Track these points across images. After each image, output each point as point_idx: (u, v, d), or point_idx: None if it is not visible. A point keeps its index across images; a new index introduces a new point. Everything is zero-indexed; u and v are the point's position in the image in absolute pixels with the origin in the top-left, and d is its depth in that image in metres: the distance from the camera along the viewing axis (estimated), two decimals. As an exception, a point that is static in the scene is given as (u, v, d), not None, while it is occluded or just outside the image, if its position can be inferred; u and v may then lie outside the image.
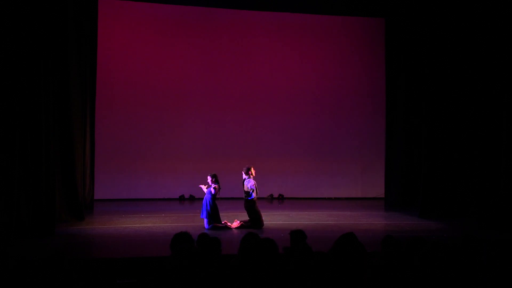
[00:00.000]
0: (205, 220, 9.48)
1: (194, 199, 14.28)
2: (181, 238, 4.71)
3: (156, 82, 14.36)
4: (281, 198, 14.95)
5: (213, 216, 9.47)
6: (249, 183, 9.71)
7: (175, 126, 14.52)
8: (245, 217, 9.84)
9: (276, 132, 15.03)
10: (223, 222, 9.57)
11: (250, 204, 9.69)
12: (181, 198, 14.33)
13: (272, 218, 10.60)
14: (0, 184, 8.14)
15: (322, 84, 15.19)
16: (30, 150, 8.54)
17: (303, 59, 15.12)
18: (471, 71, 10.90)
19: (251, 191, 9.66)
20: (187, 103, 14.58)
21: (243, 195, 9.83)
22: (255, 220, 9.63)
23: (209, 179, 9.66)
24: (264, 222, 9.82)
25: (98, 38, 11.94)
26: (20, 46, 8.45)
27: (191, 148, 14.51)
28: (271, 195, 14.92)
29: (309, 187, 15.08)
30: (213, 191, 9.53)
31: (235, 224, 9.64)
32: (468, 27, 10.88)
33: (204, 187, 9.73)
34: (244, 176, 9.84)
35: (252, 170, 9.85)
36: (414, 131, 12.60)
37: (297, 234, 5.16)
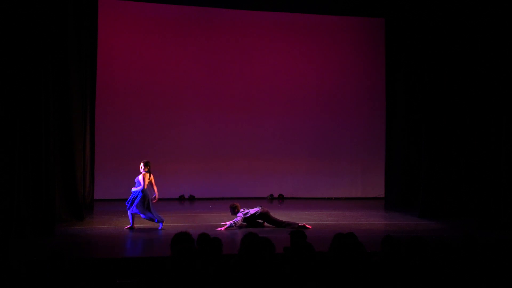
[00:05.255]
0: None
1: (194, 199, 14.29)
2: (181, 238, 4.71)
3: (156, 82, 14.35)
4: (281, 198, 14.95)
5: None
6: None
7: (175, 126, 14.51)
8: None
9: (276, 132, 15.02)
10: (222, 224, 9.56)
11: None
12: (181, 198, 14.33)
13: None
14: (0, 184, 8.15)
15: (322, 84, 15.19)
16: (30, 150, 8.54)
17: (303, 59, 15.12)
18: (472, 71, 10.90)
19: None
20: (187, 103, 14.58)
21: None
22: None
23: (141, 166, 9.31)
24: (264, 222, 9.88)
25: (98, 38, 11.93)
26: (20, 47, 8.45)
27: (191, 148, 14.50)
28: (271, 195, 14.92)
29: (309, 187, 15.08)
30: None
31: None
32: (468, 26, 10.89)
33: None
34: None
35: (238, 207, 9.61)
36: (414, 131, 12.59)
37: (297, 234, 5.16)
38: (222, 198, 14.01)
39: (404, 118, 12.98)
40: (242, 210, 9.60)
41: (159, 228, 9.26)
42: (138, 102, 14.23)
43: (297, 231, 5.22)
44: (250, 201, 12.64)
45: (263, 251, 4.01)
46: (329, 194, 15.08)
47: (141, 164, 9.35)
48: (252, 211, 9.64)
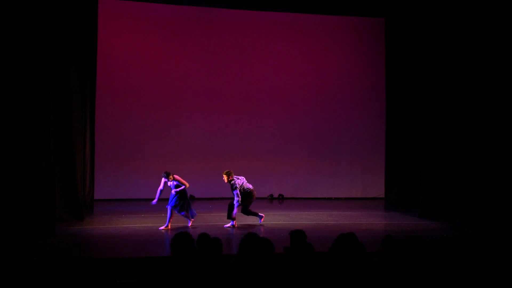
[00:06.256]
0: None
1: (193, 199, 14.27)
2: (181, 238, 4.71)
3: (156, 82, 14.36)
4: (281, 198, 14.94)
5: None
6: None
7: (175, 126, 14.51)
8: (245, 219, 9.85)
9: (276, 132, 15.02)
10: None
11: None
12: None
13: (272, 218, 10.60)
14: (0, 184, 8.15)
15: (322, 84, 15.19)
16: (30, 150, 8.54)
17: (303, 59, 15.12)
18: (472, 71, 10.90)
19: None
20: (187, 103, 14.58)
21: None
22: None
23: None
24: (265, 222, 9.96)
25: (98, 38, 11.93)
26: (20, 47, 8.45)
27: (191, 148, 14.50)
28: (271, 195, 14.91)
29: (309, 187, 15.08)
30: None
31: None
32: (468, 26, 10.88)
33: None
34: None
35: (232, 174, 10.00)
36: (414, 131, 12.60)
37: (297, 234, 5.16)
38: (222, 198, 13.98)
39: (404, 118, 12.98)
40: (237, 180, 9.88)
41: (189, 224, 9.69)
42: (138, 102, 14.24)
43: (297, 231, 5.21)
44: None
45: (263, 251, 4.00)
46: (329, 194, 15.08)
47: (166, 180, 9.60)
48: (247, 185, 9.92)
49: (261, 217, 10.00)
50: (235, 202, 9.75)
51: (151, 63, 14.34)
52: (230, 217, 9.74)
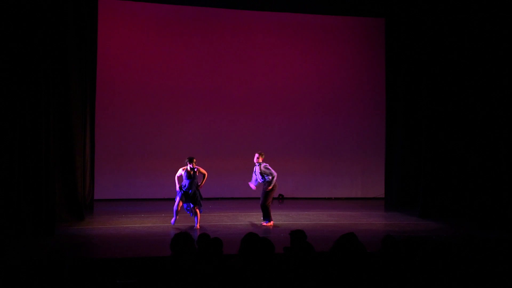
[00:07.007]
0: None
1: (194, 199, 14.27)
2: (181, 238, 4.71)
3: (156, 82, 14.35)
4: (281, 198, 14.94)
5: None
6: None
7: (175, 126, 14.51)
8: (247, 218, 9.85)
9: (276, 132, 15.02)
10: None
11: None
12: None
13: (273, 218, 10.59)
14: (0, 184, 8.15)
15: (322, 84, 15.18)
16: (30, 150, 8.54)
17: (303, 59, 15.11)
18: (472, 70, 10.90)
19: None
20: (187, 103, 14.57)
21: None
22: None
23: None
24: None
25: (98, 38, 11.93)
26: (20, 47, 8.44)
27: (191, 147, 14.45)
28: (271, 195, 14.89)
29: (309, 187, 15.07)
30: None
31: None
32: (468, 25, 10.88)
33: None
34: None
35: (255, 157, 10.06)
36: (414, 131, 12.60)
37: (297, 234, 5.16)
38: (222, 198, 14.02)
39: (404, 117, 12.98)
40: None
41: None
42: (138, 102, 14.23)
43: (297, 231, 5.21)
44: (250, 201, 12.65)
45: (263, 251, 4.00)
46: (329, 194, 15.08)
47: (190, 164, 9.63)
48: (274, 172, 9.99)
49: (270, 221, 9.94)
50: (253, 184, 9.83)
51: (152, 63, 14.33)
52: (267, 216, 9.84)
